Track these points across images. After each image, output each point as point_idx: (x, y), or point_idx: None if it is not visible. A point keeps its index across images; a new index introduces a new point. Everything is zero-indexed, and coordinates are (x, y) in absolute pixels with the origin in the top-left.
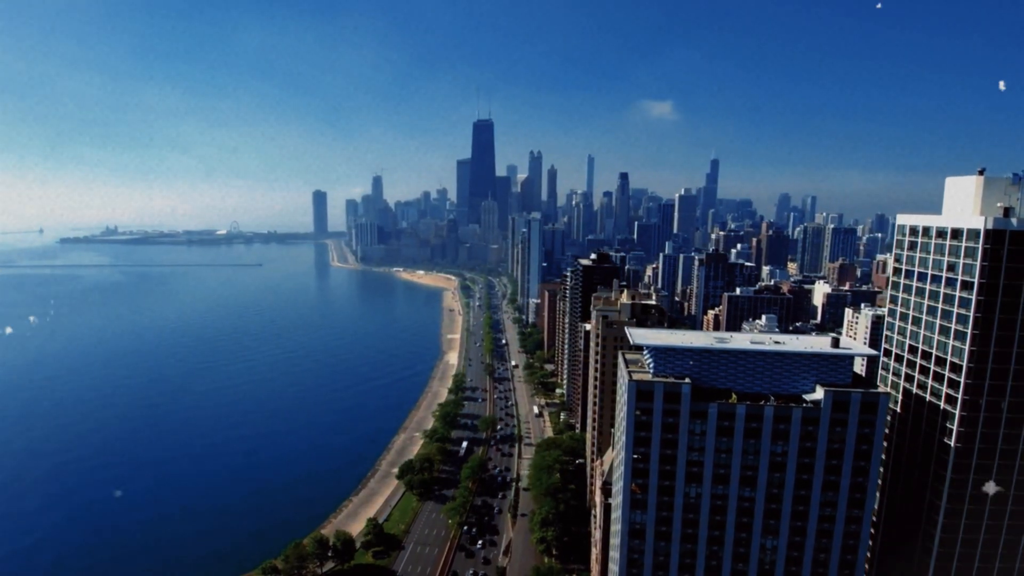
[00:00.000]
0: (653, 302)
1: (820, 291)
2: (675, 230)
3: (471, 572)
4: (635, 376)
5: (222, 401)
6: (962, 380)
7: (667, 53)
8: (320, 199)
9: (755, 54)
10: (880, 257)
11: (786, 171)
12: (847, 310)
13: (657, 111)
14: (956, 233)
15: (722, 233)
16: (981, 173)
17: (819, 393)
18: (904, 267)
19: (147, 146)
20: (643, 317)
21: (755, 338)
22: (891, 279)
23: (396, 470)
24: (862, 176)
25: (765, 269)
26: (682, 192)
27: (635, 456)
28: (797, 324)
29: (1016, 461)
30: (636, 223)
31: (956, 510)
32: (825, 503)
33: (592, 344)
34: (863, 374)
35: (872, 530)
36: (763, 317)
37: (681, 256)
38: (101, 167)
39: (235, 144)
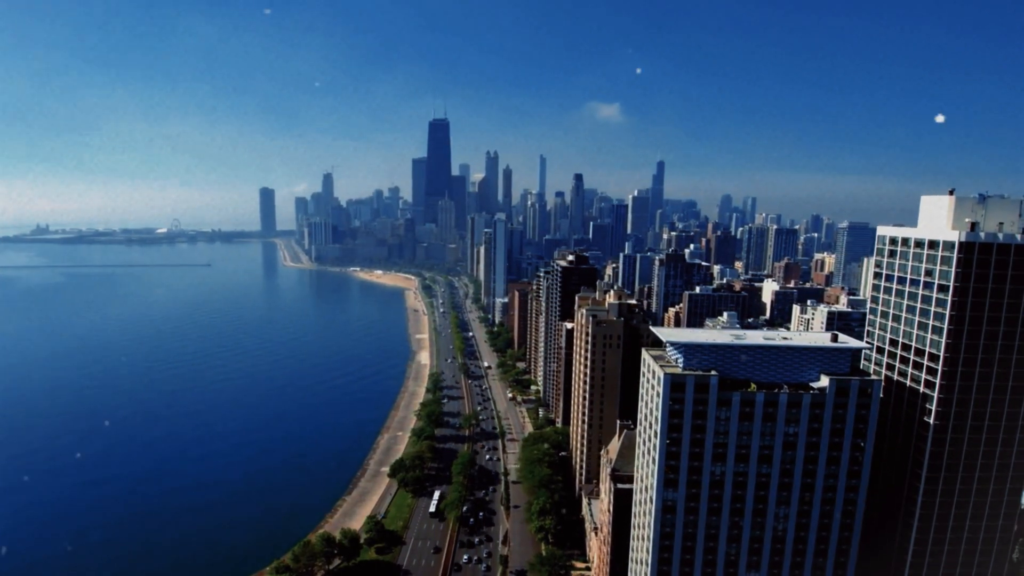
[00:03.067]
0: (635, 302)
1: (768, 289)
2: (629, 230)
3: (475, 553)
4: (667, 370)
5: (196, 402)
6: (939, 368)
7: (614, 55)
8: (267, 197)
9: (697, 58)
10: (818, 256)
11: (728, 173)
12: (795, 306)
13: (605, 113)
14: (933, 244)
15: (674, 234)
16: (951, 193)
17: (824, 381)
18: (885, 272)
19: (80, 141)
20: (629, 316)
21: (767, 334)
22: (872, 282)
23: (386, 469)
24: (799, 178)
25: (716, 268)
26: (635, 194)
27: (668, 441)
28: (749, 320)
29: (983, 435)
30: (591, 223)
31: (934, 477)
32: (829, 475)
33: (581, 342)
34: None
35: None
36: (724, 314)
37: (638, 256)
38: (29, 163)
39: (175, 140)
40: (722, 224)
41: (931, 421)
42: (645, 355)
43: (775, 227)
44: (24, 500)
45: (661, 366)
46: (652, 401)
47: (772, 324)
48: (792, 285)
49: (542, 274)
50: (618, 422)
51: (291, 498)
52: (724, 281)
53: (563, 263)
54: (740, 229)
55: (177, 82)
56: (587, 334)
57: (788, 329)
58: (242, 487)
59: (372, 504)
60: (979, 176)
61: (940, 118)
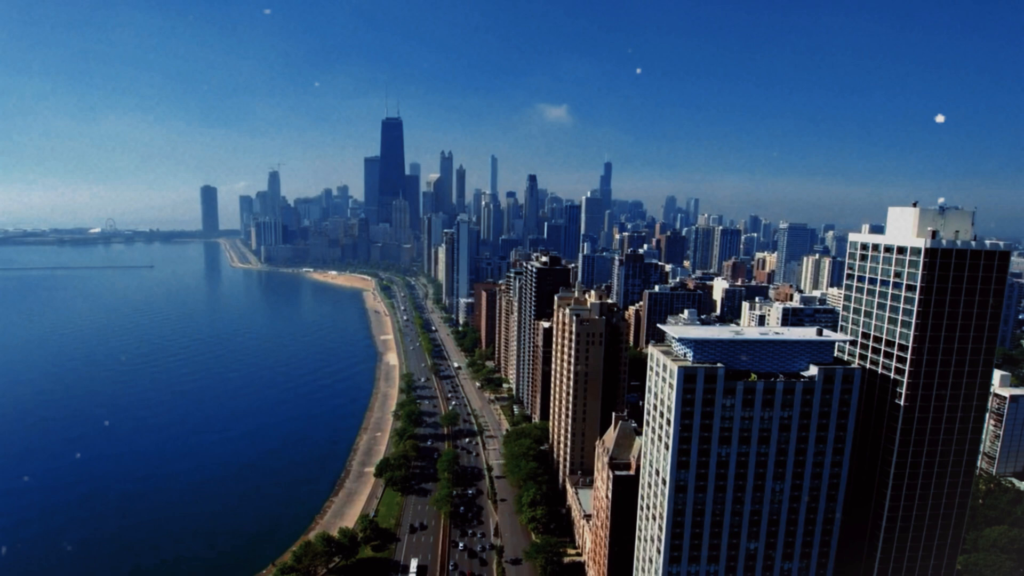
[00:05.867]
0: (613, 302)
1: (719, 287)
2: (583, 230)
3: (469, 545)
4: (679, 364)
5: (167, 408)
6: (908, 356)
7: (562, 57)
8: (209, 195)
9: (641, 60)
10: (759, 255)
11: (672, 174)
12: (744, 303)
13: (554, 114)
14: (901, 250)
15: (626, 234)
16: (915, 205)
17: (813, 370)
18: (856, 273)
19: (3, 138)
20: (610, 315)
21: (762, 330)
22: (845, 283)
23: (370, 469)
24: (737, 180)
25: (667, 267)
26: (588, 195)
27: (680, 427)
28: (702, 317)
29: (944, 413)
30: (546, 224)
31: (904, 451)
32: (817, 452)
33: (564, 340)
34: None
35: None
36: (685, 312)
37: (595, 256)
38: None
39: (107, 136)
40: (669, 224)
41: (901, 403)
42: (653, 350)
43: (720, 228)
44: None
45: (673, 360)
46: (663, 392)
47: (723, 320)
48: (740, 283)
49: (512, 275)
50: (613, 414)
51: (278, 501)
52: (678, 280)
53: (537, 264)
54: (685, 229)
55: (108, 76)
56: (571, 332)
57: (739, 324)
58: (226, 491)
59: (361, 504)
60: (908, 177)
61: (941, 118)
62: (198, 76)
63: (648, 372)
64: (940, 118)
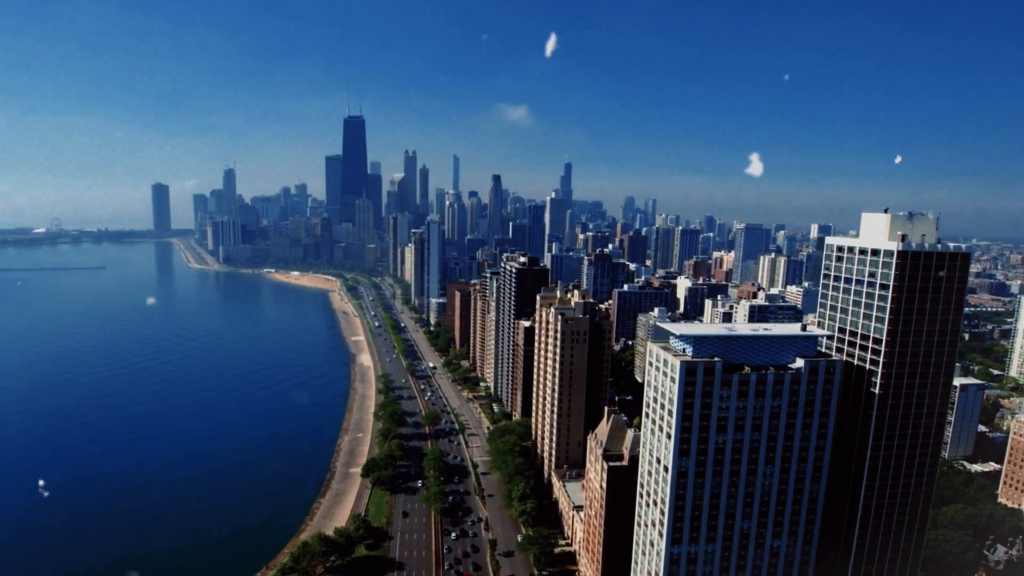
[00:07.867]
0: (593, 301)
1: (682, 285)
2: (547, 230)
3: (461, 539)
4: (680, 359)
5: (140, 415)
6: (882, 349)
7: (521, 57)
8: (161, 193)
9: (599, 62)
10: (716, 254)
11: (630, 174)
12: (707, 301)
13: (514, 115)
14: (875, 252)
15: (590, 234)
16: (886, 211)
17: (799, 363)
18: (833, 274)
19: None
20: (593, 314)
21: (753, 327)
22: (822, 282)
23: (355, 470)
24: (693, 180)
25: (632, 266)
26: (552, 195)
27: (681, 418)
28: (669, 315)
29: (914, 400)
30: (511, 224)
31: (879, 435)
32: (803, 438)
33: (548, 339)
34: None
35: None
36: (655, 310)
37: (562, 256)
38: None
39: (51, 132)
40: (629, 224)
41: (876, 392)
42: (653, 347)
43: (679, 228)
44: None
45: (673, 355)
46: (663, 385)
47: (687, 317)
48: (701, 282)
49: (489, 275)
50: (605, 408)
51: (264, 504)
52: (643, 279)
53: (516, 264)
54: (646, 229)
55: (49, 68)
56: (556, 331)
57: (702, 321)
58: (208, 495)
59: (349, 504)
60: (849, 177)
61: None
62: (146, 70)
63: (647, 367)
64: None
